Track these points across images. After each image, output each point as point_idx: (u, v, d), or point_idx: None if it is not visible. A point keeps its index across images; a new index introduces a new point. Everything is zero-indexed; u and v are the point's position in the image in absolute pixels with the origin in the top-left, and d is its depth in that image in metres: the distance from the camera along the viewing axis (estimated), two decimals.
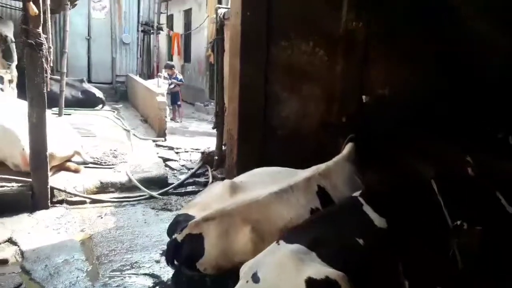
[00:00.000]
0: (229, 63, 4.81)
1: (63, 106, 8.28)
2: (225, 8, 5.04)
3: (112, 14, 11.75)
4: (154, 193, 4.63)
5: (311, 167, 3.21)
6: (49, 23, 4.02)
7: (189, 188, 5.01)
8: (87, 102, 9.44)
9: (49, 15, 3.99)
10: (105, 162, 5.23)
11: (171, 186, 4.88)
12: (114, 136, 6.83)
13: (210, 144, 6.72)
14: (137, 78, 10.56)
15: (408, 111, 4.55)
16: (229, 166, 4.99)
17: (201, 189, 4.98)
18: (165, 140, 6.86)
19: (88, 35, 11.60)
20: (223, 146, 5.47)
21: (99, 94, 9.71)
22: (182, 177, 5.22)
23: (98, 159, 5.27)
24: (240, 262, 2.49)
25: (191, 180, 5.16)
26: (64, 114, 8.28)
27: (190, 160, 5.94)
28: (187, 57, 15.01)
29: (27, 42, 3.86)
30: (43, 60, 3.96)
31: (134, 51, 12.24)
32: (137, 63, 12.35)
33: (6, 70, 6.17)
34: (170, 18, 16.83)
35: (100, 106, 9.64)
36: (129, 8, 11.99)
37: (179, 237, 2.60)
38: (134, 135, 6.99)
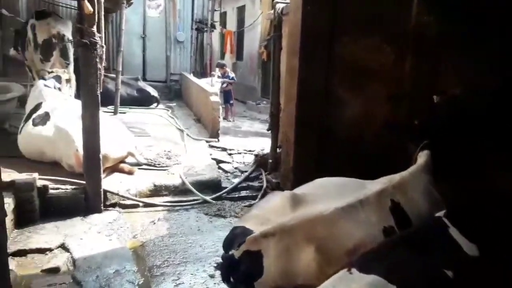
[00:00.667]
0: (286, 61, 4.53)
1: (119, 104, 8.39)
2: (284, 2, 4.74)
3: (167, 12, 11.80)
4: (208, 198, 4.45)
5: (382, 178, 2.84)
6: (103, 21, 3.92)
7: (243, 193, 4.79)
8: (142, 100, 9.50)
9: (103, 13, 3.89)
10: (158, 164, 5.12)
11: (224, 191, 4.67)
12: (168, 136, 6.75)
13: (263, 145, 6.49)
14: (191, 76, 10.52)
15: (485, 113, 4.04)
16: (284, 170, 4.71)
17: (255, 194, 4.76)
18: (218, 140, 6.69)
19: (143, 34, 11.73)
20: (278, 149, 5.20)
21: (153, 92, 9.75)
22: (236, 180, 5.00)
23: (151, 160, 5.17)
24: (302, 285, 2.23)
25: (244, 184, 4.93)
26: (120, 113, 8.39)
27: (244, 163, 5.72)
28: (239, 55, 14.88)
29: (82, 41, 3.78)
30: (97, 60, 3.87)
31: (188, 49, 12.24)
32: (190, 61, 12.35)
33: (64, 70, 6.24)
34: (223, 16, 16.81)
35: (155, 104, 9.68)
36: (183, 6, 11.99)
37: (236, 253, 2.36)
38: (188, 135, 6.89)
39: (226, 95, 9.72)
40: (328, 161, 4.28)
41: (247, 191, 4.84)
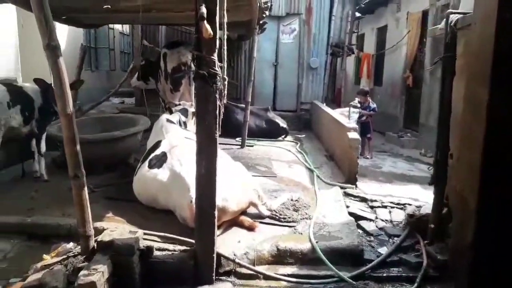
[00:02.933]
0: (466, 89, 3.24)
1: (246, 137, 7.85)
2: (460, 12, 3.47)
3: (301, 37, 11.07)
4: (345, 276, 3.32)
5: None
6: (225, 48, 3.19)
7: (394, 271, 3.52)
8: (271, 132, 8.88)
9: (225, 38, 3.16)
10: (284, 218, 4.17)
11: (368, 267, 3.48)
12: (295, 177, 5.82)
13: (415, 195, 5.13)
14: (323, 106, 9.48)
15: None
16: (457, 246, 3.36)
17: (411, 274, 3.46)
18: (356, 187, 5.45)
19: (276, 61, 11.20)
20: (443, 209, 3.85)
21: (282, 123, 9.05)
22: (383, 251, 3.77)
23: (276, 212, 4.25)
24: None
25: (395, 258, 3.67)
26: (247, 145, 7.83)
27: (391, 221, 4.44)
28: (377, 80, 13.49)
29: (199, 73, 3.09)
30: (217, 95, 3.14)
31: (321, 76, 11.27)
32: (323, 88, 11.36)
33: (192, 103, 5.82)
34: (360, 38, 15.69)
35: (283, 136, 8.97)
36: (319, 30, 11.09)
37: None
38: (318, 177, 5.85)
39: (364, 127, 8.38)
40: None
41: (400, 269, 3.56)
